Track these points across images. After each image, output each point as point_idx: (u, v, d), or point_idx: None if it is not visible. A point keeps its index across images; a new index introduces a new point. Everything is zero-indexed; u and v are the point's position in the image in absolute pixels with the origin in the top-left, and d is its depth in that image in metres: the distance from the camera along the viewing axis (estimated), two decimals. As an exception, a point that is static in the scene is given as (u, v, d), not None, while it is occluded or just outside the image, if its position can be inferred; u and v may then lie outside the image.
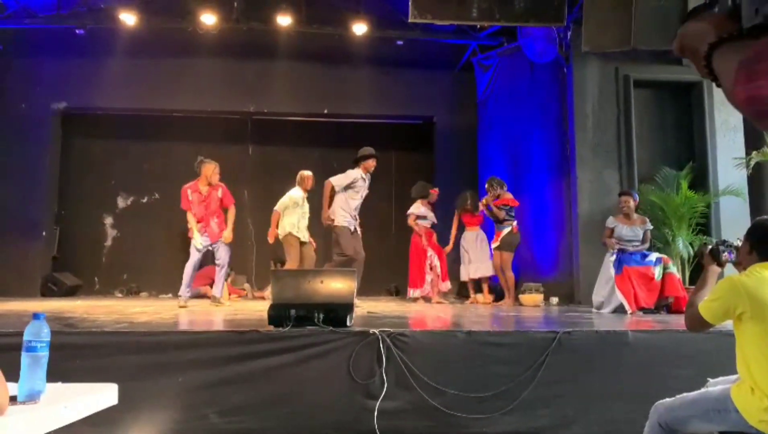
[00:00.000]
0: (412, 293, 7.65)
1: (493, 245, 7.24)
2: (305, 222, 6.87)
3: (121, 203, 10.13)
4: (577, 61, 7.43)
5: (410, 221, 7.81)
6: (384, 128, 10.16)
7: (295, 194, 6.89)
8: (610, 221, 6.27)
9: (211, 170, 6.53)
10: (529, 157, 8.44)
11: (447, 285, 7.70)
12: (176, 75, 9.15)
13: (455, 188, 8.63)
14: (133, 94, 9.15)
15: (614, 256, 6.02)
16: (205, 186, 6.50)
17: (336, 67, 9.49)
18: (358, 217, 6.55)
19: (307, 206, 6.96)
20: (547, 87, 8.16)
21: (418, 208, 7.79)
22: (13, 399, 1.32)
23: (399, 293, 9.66)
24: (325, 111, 9.72)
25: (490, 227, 7.71)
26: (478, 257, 7.70)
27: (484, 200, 7.33)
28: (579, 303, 6.95)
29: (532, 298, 6.93)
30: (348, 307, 3.65)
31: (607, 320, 5.00)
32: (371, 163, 6.53)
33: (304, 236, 6.80)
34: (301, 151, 10.12)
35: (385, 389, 3.36)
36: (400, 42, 9.27)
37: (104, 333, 3.47)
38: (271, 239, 6.88)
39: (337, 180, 6.43)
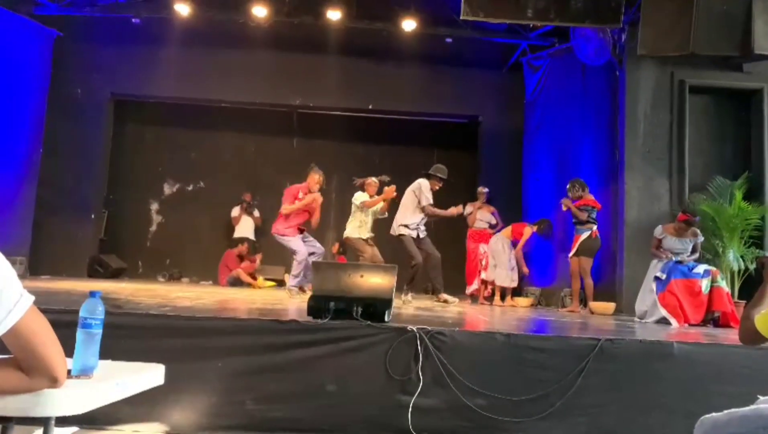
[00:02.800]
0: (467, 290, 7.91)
1: (571, 252, 7.13)
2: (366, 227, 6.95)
3: (168, 189, 10.39)
4: (631, 64, 7.26)
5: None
6: (428, 126, 10.15)
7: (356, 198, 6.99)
8: (659, 231, 6.12)
9: (315, 179, 6.61)
10: (576, 161, 8.30)
11: (470, 288, 7.80)
12: (226, 66, 9.32)
13: (499, 188, 8.56)
14: (184, 84, 9.37)
15: (660, 264, 5.88)
16: (306, 193, 6.63)
17: (383, 63, 9.51)
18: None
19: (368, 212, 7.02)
20: (599, 90, 8.00)
21: (466, 209, 7.86)
22: (67, 373, 1.37)
23: (435, 292, 9.61)
24: (370, 107, 9.75)
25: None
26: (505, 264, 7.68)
27: (565, 201, 7.26)
28: (621, 312, 6.82)
29: (605, 306, 6.84)
30: (387, 302, 3.66)
31: (651, 331, 4.88)
32: (435, 183, 6.71)
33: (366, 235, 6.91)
34: (344, 146, 10.20)
35: (420, 386, 3.35)
36: (449, 39, 9.23)
37: (149, 316, 3.56)
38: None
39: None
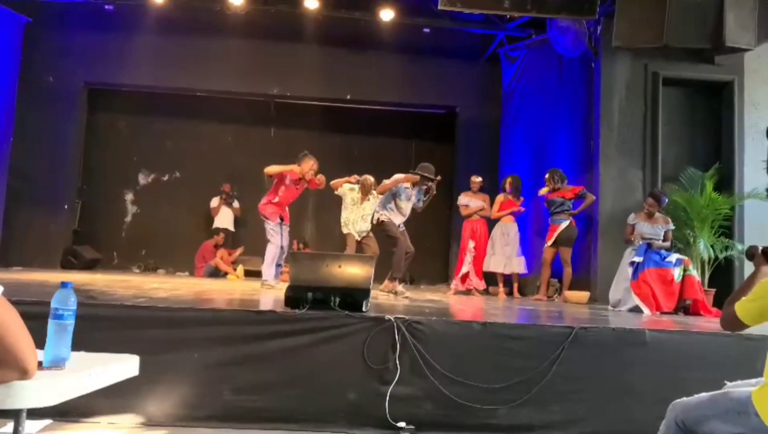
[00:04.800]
0: (452, 283, 7.80)
1: (548, 241, 7.17)
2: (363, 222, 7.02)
3: (142, 180, 10.25)
4: (606, 56, 7.33)
5: (461, 211, 7.89)
6: (406, 117, 10.13)
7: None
8: (632, 218, 6.23)
9: (308, 166, 6.54)
10: (552, 151, 8.37)
11: (481, 283, 7.64)
12: (202, 55, 9.19)
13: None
14: (159, 72, 9.22)
15: (634, 253, 5.97)
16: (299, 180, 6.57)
17: (360, 53, 9.46)
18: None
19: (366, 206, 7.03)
20: (575, 81, 8.07)
21: (461, 199, 7.91)
22: (38, 365, 1.34)
23: (413, 282, 9.67)
24: (348, 97, 9.71)
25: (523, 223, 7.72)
26: (516, 250, 7.64)
27: (541, 191, 7.30)
28: (595, 301, 6.91)
29: (580, 295, 6.91)
30: (365, 292, 3.67)
31: (624, 319, 4.96)
32: (420, 182, 6.50)
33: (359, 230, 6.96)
34: (322, 136, 10.14)
35: (398, 375, 3.37)
36: (426, 30, 9.21)
37: (124, 307, 3.52)
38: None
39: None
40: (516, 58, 9.09)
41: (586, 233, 7.55)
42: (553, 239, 7.12)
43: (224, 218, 9.62)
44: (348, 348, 3.45)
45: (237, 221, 9.73)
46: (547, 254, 7.21)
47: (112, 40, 9.07)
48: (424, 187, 6.37)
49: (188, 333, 3.45)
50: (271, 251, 6.44)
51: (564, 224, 7.06)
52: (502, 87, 9.44)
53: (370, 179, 7.20)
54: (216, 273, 9.04)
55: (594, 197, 7.16)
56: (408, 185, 6.33)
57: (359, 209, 7.18)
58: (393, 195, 6.32)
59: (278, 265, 6.52)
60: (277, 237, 6.49)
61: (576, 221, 7.21)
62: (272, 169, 6.61)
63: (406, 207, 6.39)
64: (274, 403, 3.37)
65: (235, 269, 9.07)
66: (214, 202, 9.64)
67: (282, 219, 6.69)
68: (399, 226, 6.35)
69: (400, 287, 6.21)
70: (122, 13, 8.92)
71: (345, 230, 7.14)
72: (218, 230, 9.46)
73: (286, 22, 8.94)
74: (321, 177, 6.66)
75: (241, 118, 10.11)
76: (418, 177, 6.31)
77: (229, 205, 9.63)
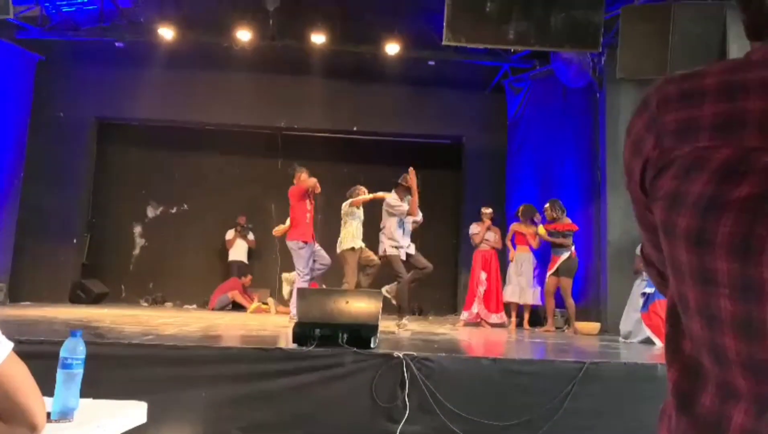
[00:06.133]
0: (462, 315, 7.66)
1: (549, 272, 7.15)
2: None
3: (151, 212, 10.30)
4: (611, 86, 7.38)
5: (472, 242, 7.81)
6: (413, 147, 10.18)
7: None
8: (641, 248, 6.18)
9: (298, 178, 6.58)
10: (559, 181, 8.37)
11: (496, 317, 7.52)
12: (210, 89, 9.31)
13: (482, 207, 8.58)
14: (168, 107, 9.34)
15: (644, 284, 5.92)
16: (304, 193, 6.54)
17: (367, 85, 9.56)
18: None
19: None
20: (580, 111, 8.11)
21: (472, 229, 7.84)
22: (47, 416, 1.34)
23: (422, 313, 9.61)
24: (355, 128, 9.79)
25: (538, 253, 7.67)
26: (531, 281, 7.58)
27: (538, 228, 7.29)
28: (606, 332, 6.84)
29: (590, 326, 6.84)
30: (372, 328, 3.65)
31: (635, 352, 4.91)
32: (402, 191, 6.51)
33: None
34: (329, 167, 10.16)
35: (407, 413, 3.34)
36: (431, 62, 9.31)
37: (131, 346, 3.52)
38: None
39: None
40: (520, 89, 9.17)
41: (594, 263, 7.51)
42: (554, 269, 7.10)
43: (239, 251, 9.65)
44: (356, 385, 3.43)
45: (251, 253, 9.76)
46: (550, 285, 7.17)
47: (122, 75, 9.22)
48: (403, 187, 6.37)
49: (196, 371, 3.44)
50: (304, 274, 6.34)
51: (565, 256, 7.03)
52: (508, 117, 9.49)
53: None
54: (227, 305, 9.04)
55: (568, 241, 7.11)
56: (396, 198, 6.30)
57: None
58: (391, 221, 6.31)
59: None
60: (307, 271, 6.40)
61: (578, 251, 7.19)
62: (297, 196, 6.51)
63: (407, 220, 6.39)
64: (282, 442, 3.34)
65: (251, 300, 9.01)
66: (229, 234, 9.68)
67: (313, 238, 6.63)
68: (408, 247, 6.33)
69: (404, 320, 6.18)
70: (132, 49, 9.09)
71: (349, 246, 6.66)
72: (234, 265, 9.49)
73: (292, 57, 9.07)
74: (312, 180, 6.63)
75: (248, 150, 10.19)
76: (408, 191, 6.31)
77: (244, 237, 9.67)
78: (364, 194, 6.74)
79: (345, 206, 6.73)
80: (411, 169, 6.38)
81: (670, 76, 0.63)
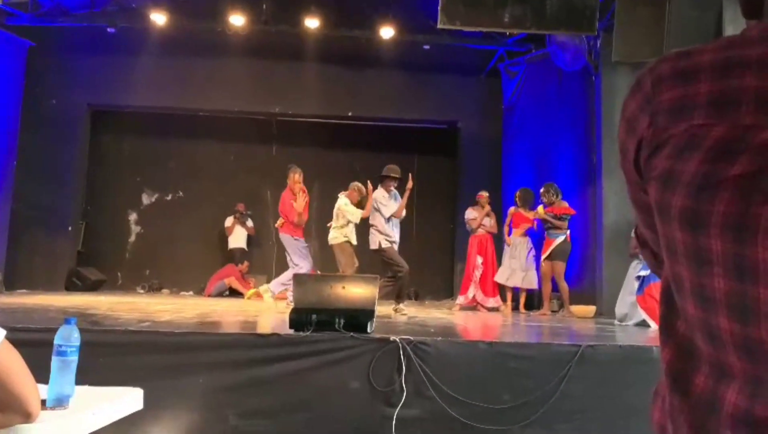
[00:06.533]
0: (458, 300, 7.67)
1: (543, 255, 7.17)
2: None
3: (146, 200, 10.28)
4: (606, 69, 7.36)
5: (468, 227, 7.78)
6: (408, 132, 10.16)
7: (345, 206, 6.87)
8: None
9: (294, 179, 6.53)
10: (555, 165, 8.37)
11: (492, 301, 7.53)
12: (204, 75, 9.25)
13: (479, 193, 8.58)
14: (161, 93, 9.27)
15: (640, 264, 5.95)
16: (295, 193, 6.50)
17: (362, 71, 9.51)
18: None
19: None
20: (576, 95, 8.09)
21: (469, 214, 7.79)
22: (41, 404, 1.34)
23: (418, 297, 9.65)
24: (350, 114, 9.75)
25: (534, 238, 7.68)
26: (525, 264, 7.59)
27: (538, 209, 7.28)
28: (602, 315, 6.88)
29: (586, 309, 6.87)
30: (369, 313, 3.66)
31: (630, 335, 4.94)
32: (389, 184, 6.35)
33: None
34: (324, 153, 10.16)
35: (404, 397, 3.35)
36: (426, 46, 9.25)
37: (127, 332, 3.51)
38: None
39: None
40: (516, 73, 9.13)
41: (590, 246, 7.53)
42: (547, 253, 7.12)
43: (238, 238, 9.65)
44: (353, 370, 3.44)
45: (250, 240, 9.75)
46: (545, 269, 7.20)
47: (115, 62, 9.14)
48: (394, 186, 6.31)
49: (192, 358, 3.44)
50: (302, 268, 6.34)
51: (559, 239, 7.05)
52: (503, 102, 9.47)
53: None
54: (224, 292, 9.06)
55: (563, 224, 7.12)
56: (386, 194, 6.28)
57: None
58: (379, 215, 6.26)
59: None
60: (306, 265, 6.41)
61: (573, 234, 7.21)
62: (298, 209, 6.44)
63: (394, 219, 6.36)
64: (280, 427, 3.36)
65: (249, 286, 8.98)
66: (228, 221, 9.67)
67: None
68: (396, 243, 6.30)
69: (401, 305, 6.18)
70: (124, 35, 8.99)
71: (343, 240, 6.67)
72: (235, 251, 9.49)
73: (286, 42, 9.00)
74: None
75: (243, 137, 10.15)
76: (395, 182, 6.26)
77: (243, 224, 9.66)
78: (358, 192, 6.69)
79: (342, 205, 6.66)
80: (411, 178, 6.32)
81: (665, 55, 0.63)
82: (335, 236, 6.63)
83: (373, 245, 6.23)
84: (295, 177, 6.57)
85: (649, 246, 0.71)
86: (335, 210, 6.80)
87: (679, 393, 0.59)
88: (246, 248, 9.69)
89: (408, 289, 6.21)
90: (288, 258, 6.58)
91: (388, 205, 6.25)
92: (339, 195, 6.87)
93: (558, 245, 7.05)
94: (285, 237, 6.52)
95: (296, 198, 6.47)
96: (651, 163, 0.61)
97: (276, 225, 6.99)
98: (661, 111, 0.60)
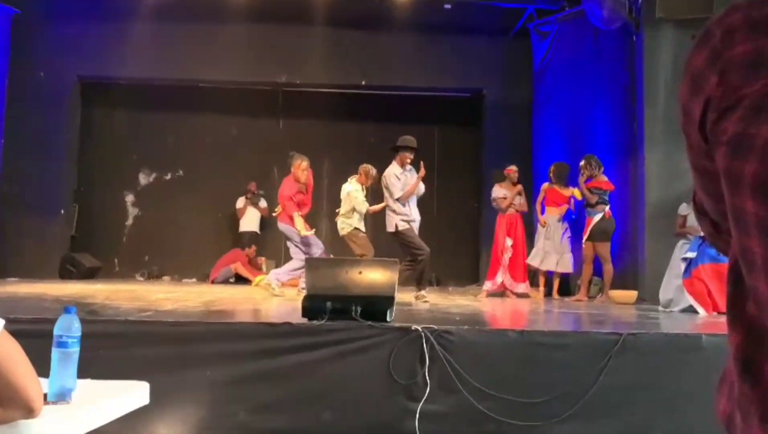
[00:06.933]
0: (485, 285, 7.66)
1: (584, 236, 7.14)
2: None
3: (143, 179, 10.36)
4: (649, 27, 7.23)
5: (496, 205, 7.72)
6: (428, 101, 10.10)
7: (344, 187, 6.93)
8: (683, 208, 6.14)
9: (301, 167, 6.49)
10: (591, 135, 8.29)
11: (522, 286, 7.52)
12: (204, 42, 9.24)
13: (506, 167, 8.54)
14: (158, 63, 9.29)
15: (687, 245, 5.90)
16: (297, 182, 6.50)
17: (375, 35, 9.45)
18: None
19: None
20: (614, 57, 7.97)
21: (496, 191, 7.69)
22: (43, 398, 1.36)
23: (440, 283, 9.66)
24: (363, 83, 9.71)
25: (568, 217, 7.66)
26: (560, 246, 7.55)
27: (575, 190, 7.25)
28: (644, 301, 6.85)
29: (626, 295, 6.84)
30: (389, 300, 3.68)
31: (676, 322, 4.92)
32: (406, 156, 6.28)
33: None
34: (335, 125, 10.15)
35: (428, 391, 3.37)
36: (447, 5, 9.15)
37: (128, 322, 3.57)
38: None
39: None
40: (547, 34, 9.01)
41: (631, 225, 7.47)
42: (587, 232, 7.08)
43: (251, 220, 9.70)
44: (372, 361, 3.46)
45: (263, 223, 9.77)
46: (586, 251, 7.17)
47: (107, 30, 9.15)
48: (410, 159, 6.26)
49: (199, 349, 3.49)
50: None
51: (598, 217, 7.01)
52: (533, 66, 9.36)
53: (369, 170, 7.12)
54: (229, 278, 9.15)
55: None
56: (399, 171, 6.24)
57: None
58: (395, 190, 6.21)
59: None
60: (319, 246, 6.44)
61: (613, 212, 7.16)
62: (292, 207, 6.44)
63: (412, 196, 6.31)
64: (294, 423, 3.40)
65: (258, 272, 9.03)
66: (240, 203, 9.74)
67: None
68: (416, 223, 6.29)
69: (423, 292, 6.18)
70: (116, 1, 9.00)
71: (351, 229, 6.82)
72: (245, 235, 9.56)
73: (293, 4, 8.95)
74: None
75: (246, 109, 10.16)
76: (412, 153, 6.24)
77: (255, 205, 9.71)
78: (367, 176, 6.76)
79: (351, 192, 6.70)
80: (422, 167, 6.27)
81: (736, 3, 0.61)
82: (342, 226, 6.73)
83: (390, 228, 6.20)
84: (303, 165, 6.51)
85: (708, 215, 0.70)
86: (342, 195, 6.85)
87: (750, 381, 0.58)
88: (258, 232, 9.75)
89: (429, 274, 6.19)
90: (291, 249, 6.59)
91: (400, 182, 6.19)
92: (349, 180, 6.92)
93: (597, 224, 7.00)
94: (284, 226, 6.53)
95: (297, 190, 6.44)
96: (719, 126, 0.59)
97: (274, 213, 7.05)
98: (733, 67, 0.58)
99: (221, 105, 10.05)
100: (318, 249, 6.48)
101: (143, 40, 9.11)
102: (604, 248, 7.04)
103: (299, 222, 6.29)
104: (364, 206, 6.75)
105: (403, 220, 6.15)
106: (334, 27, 9.33)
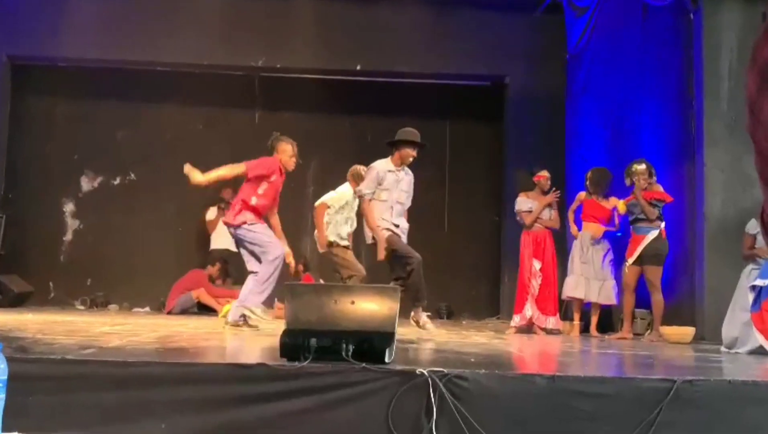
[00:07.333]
0: (513, 320, 7.62)
1: (629, 258, 7.14)
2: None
3: (86, 185, 10.37)
4: (709, 2, 7.28)
5: (521, 220, 7.72)
6: (438, 91, 10.16)
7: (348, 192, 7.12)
8: (752, 225, 6.15)
9: (288, 152, 6.49)
10: (637, 133, 8.33)
11: (552, 321, 7.51)
12: (163, 17, 9.30)
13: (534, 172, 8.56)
14: (106, 42, 9.33)
15: (756, 274, 5.90)
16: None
17: (374, 8, 9.51)
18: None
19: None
20: (666, 39, 8.02)
21: (522, 203, 7.68)
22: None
23: (452, 315, 9.66)
24: (358, 67, 9.75)
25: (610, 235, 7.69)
26: (601, 272, 7.56)
27: (621, 203, 7.26)
28: (703, 339, 6.85)
29: (681, 332, 6.83)
30: (387, 337, 3.66)
31: (742, 366, 4.90)
32: (408, 152, 6.32)
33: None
34: (325, 119, 10.20)
35: (435, 450, 3.36)
36: (462, -27, 9.24)
37: (66, 362, 3.55)
38: (322, 247, 7.11)
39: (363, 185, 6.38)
40: (585, 10, 9.06)
41: (687, 245, 7.48)
42: (636, 254, 7.07)
43: (224, 235, 9.67)
44: (366, 412, 3.45)
45: None
46: (630, 277, 7.17)
47: (45, 2, 9.19)
48: (413, 157, 6.30)
49: (152, 396, 3.47)
50: (264, 277, 6.33)
51: (652, 235, 7.01)
52: (567, 49, 9.41)
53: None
54: (191, 307, 9.12)
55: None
56: (392, 167, 6.27)
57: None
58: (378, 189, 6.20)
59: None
60: (279, 248, 6.40)
61: (667, 232, 7.16)
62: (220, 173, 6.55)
63: (400, 195, 6.30)
64: (268, 489, 3.39)
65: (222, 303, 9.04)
66: (211, 214, 9.76)
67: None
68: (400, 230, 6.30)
69: (424, 317, 6.19)
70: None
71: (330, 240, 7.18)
72: (216, 253, 9.54)
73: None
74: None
75: (215, 98, 10.20)
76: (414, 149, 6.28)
77: None
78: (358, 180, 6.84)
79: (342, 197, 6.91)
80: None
81: None
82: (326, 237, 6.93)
83: (370, 240, 6.25)
84: (292, 150, 6.53)
85: None
86: (330, 197, 6.97)
87: None
88: (235, 249, 9.73)
89: (425, 287, 6.14)
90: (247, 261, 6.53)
91: (382, 181, 6.20)
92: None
93: (651, 244, 7.00)
94: (237, 232, 6.50)
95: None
96: None
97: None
98: None
99: (184, 94, 10.09)
100: (277, 250, 6.39)
101: (88, 13, 9.16)
102: (655, 274, 7.04)
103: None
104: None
105: (384, 228, 6.16)
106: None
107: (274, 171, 6.46)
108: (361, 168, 7.04)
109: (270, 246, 6.31)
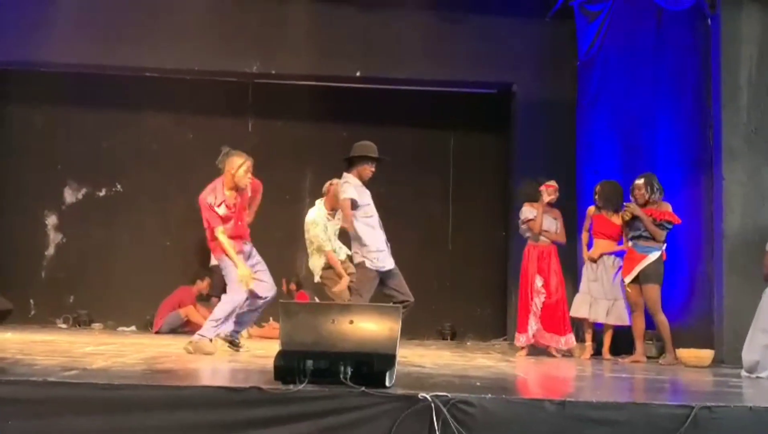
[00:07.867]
0: (518, 340, 7.60)
1: (627, 276, 7.17)
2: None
3: (69, 196, 10.37)
4: (728, 8, 7.30)
5: (526, 230, 7.73)
6: (442, 99, 10.18)
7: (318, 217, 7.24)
8: (773, 243, 6.16)
9: (237, 166, 6.32)
10: (651, 145, 8.34)
11: (564, 340, 7.51)
12: (151, 21, 9.33)
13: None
14: (91, 46, 9.35)
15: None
16: (231, 190, 6.39)
17: (373, 12, 9.53)
18: None
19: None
20: (682, 45, 8.04)
21: (527, 212, 7.69)
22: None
23: (456, 336, 9.64)
24: (358, 74, 9.77)
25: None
26: (611, 291, 7.57)
27: (631, 207, 7.23)
28: (722, 363, 6.84)
29: (699, 355, 6.82)
30: (388, 359, 3.66)
31: (764, 391, 4.90)
32: (366, 168, 6.38)
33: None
34: (321, 128, 10.21)
35: (439, 480, 3.36)
36: (468, -25, 9.29)
37: (47, 385, 3.55)
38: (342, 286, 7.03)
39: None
40: (597, 14, 9.09)
41: (704, 264, 7.47)
42: (633, 274, 7.10)
43: None
44: (366, 439, 3.45)
45: None
46: (634, 296, 7.18)
47: (25, 4, 9.22)
48: (371, 171, 6.38)
49: (138, 421, 3.47)
50: (226, 304, 6.23)
51: (653, 257, 7.04)
52: (578, 55, 9.44)
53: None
54: (179, 326, 9.11)
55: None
56: (358, 183, 6.33)
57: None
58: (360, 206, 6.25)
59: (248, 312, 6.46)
60: (240, 293, 6.24)
61: (680, 247, 7.18)
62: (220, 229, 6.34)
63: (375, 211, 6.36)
64: None
65: None
66: None
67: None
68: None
69: None
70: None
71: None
72: (216, 270, 9.53)
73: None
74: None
75: (206, 106, 10.21)
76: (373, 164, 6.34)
77: None
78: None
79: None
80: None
81: None
82: (314, 265, 6.94)
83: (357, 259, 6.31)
84: (247, 165, 6.36)
85: None
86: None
87: None
88: None
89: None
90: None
91: (365, 199, 6.27)
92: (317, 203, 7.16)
93: (653, 264, 7.02)
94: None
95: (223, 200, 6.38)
96: None
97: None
98: None
99: (173, 101, 10.11)
100: (238, 295, 6.26)
101: (71, 16, 9.16)
102: (657, 293, 7.04)
103: (224, 241, 6.22)
104: (328, 244, 6.96)
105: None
106: (320, 1, 9.42)
107: (221, 199, 6.33)
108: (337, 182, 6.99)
109: (233, 285, 6.26)
